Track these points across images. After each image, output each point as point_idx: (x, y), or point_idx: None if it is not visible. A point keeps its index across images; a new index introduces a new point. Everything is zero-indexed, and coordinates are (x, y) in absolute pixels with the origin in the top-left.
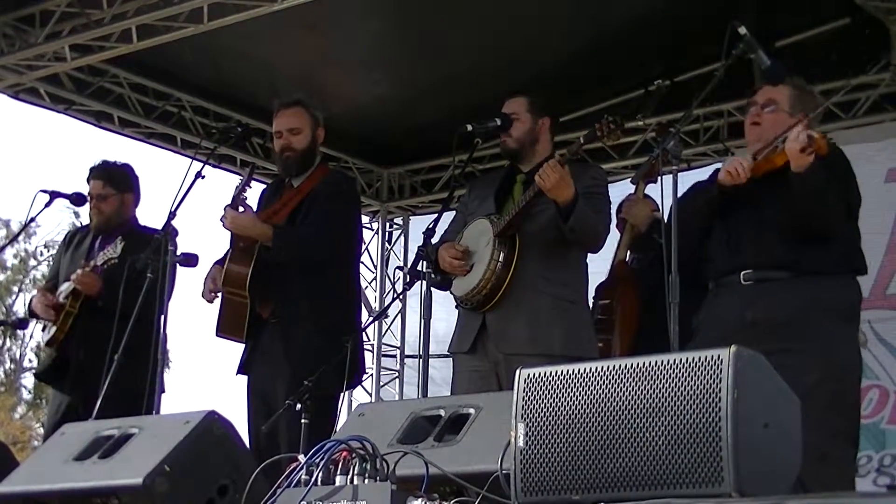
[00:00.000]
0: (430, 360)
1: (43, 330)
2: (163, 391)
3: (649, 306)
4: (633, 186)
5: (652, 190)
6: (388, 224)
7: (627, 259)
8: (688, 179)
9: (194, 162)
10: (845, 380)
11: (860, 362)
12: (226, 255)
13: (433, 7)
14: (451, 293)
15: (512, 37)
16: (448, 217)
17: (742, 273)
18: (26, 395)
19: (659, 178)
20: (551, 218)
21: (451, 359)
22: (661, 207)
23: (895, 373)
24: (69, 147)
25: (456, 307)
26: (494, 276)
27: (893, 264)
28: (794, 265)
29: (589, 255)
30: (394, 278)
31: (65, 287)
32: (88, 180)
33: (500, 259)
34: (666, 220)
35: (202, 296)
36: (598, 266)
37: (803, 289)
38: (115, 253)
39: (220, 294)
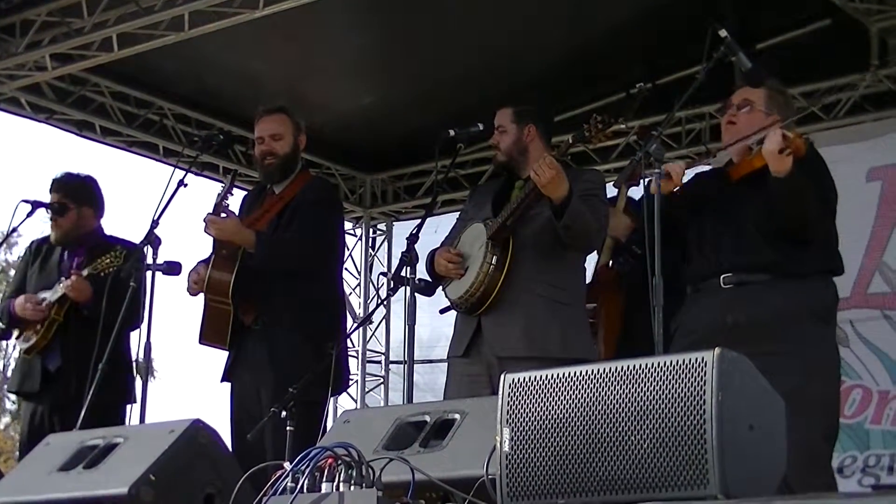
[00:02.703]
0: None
1: (17, 338)
2: (134, 401)
3: (633, 309)
4: (616, 190)
5: (633, 193)
6: (371, 230)
7: (611, 263)
8: None
9: (176, 170)
10: (826, 380)
11: (839, 363)
12: (209, 257)
13: (416, 15)
14: (447, 296)
15: (494, 43)
16: (431, 222)
17: (722, 276)
18: (10, 406)
19: (641, 181)
20: (547, 221)
21: (433, 364)
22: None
23: (877, 373)
24: (51, 156)
25: (440, 311)
26: (487, 279)
27: (874, 264)
28: (774, 267)
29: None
30: (378, 284)
31: (46, 295)
32: (49, 192)
33: (493, 262)
34: (648, 224)
35: (187, 290)
36: None
37: (783, 291)
38: (117, 261)
39: (202, 288)
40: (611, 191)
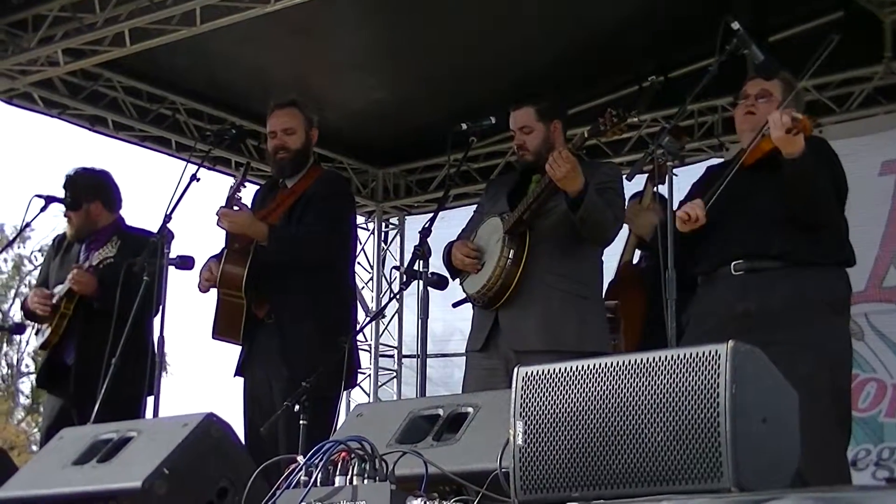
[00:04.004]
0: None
1: (36, 334)
2: (158, 393)
3: (655, 305)
4: (631, 183)
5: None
6: (383, 224)
7: (636, 259)
8: (683, 175)
9: (189, 164)
10: (837, 371)
11: (851, 353)
12: (221, 251)
13: (426, 9)
14: (464, 291)
15: (505, 36)
16: (443, 216)
17: (733, 263)
18: (24, 400)
19: (667, 177)
20: (563, 214)
21: (447, 358)
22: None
23: (892, 366)
24: (64, 151)
25: (453, 305)
26: (504, 273)
27: (889, 257)
28: (785, 255)
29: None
30: (390, 278)
31: (58, 289)
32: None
33: (510, 256)
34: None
35: (198, 286)
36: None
37: (795, 279)
38: (112, 252)
39: (213, 284)
40: (632, 186)
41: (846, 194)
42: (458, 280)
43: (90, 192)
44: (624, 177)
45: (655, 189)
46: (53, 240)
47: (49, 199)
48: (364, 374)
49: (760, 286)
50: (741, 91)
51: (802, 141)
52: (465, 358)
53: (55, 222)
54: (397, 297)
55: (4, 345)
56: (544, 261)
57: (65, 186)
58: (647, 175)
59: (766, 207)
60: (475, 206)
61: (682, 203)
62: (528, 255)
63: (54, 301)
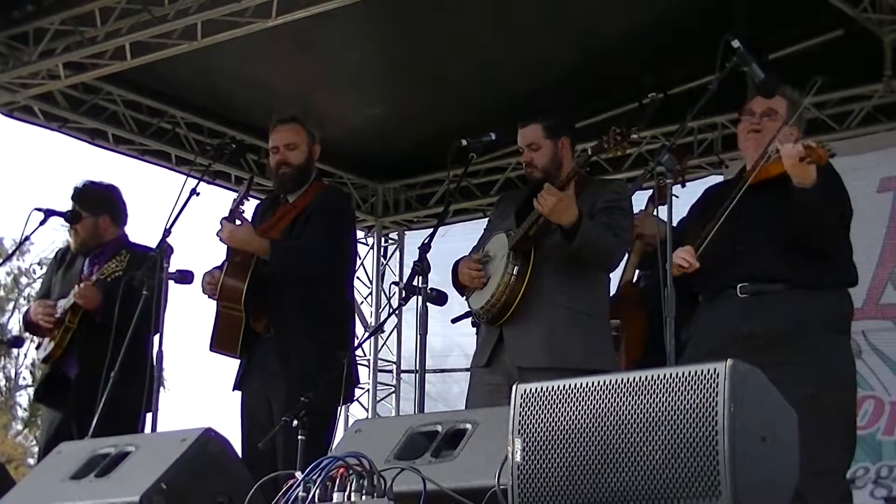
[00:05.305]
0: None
1: (38, 347)
2: (157, 409)
3: (656, 324)
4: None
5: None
6: (383, 239)
7: (636, 278)
8: (683, 197)
9: (189, 179)
10: (842, 391)
11: (854, 372)
12: (222, 264)
13: (428, 25)
14: (469, 306)
15: (505, 53)
16: (443, 232)
17: (738, 286)
18: (21, 413)
19: (669, 198)
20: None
21: (446, 374)
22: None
23: (889, 383)
24: (64, 165)
25: (472, 323)
26: (508, 290)
27: (886, 274)
28: (790, 277)
29: None
30: (389, 293)
31: (62, 303)
32: (70, 200)
33: (514, 272)
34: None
35: (202, 290)
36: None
37: (799, 301)
38: (121, 267)
39: (216, 290)
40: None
41: (850, 217)
42: (464, 297)
43: (100, 205)
44: None
45: (656, 212)
46: (56, 252)
47: (49, 213)
48: (363, 389)
49: (764, 308)
50: (746, 107)
51: (814, 171)
52: (465, 373)
53: (55, 235)
54: (396, 312)
55: (2, 358)
56: (549, 278)
57: (73, 198)
58: (649, 194)
59: (770, 230)
60: (475, 221)
61: (681, 222)
62: (532, 271)
63: (58, 314)
